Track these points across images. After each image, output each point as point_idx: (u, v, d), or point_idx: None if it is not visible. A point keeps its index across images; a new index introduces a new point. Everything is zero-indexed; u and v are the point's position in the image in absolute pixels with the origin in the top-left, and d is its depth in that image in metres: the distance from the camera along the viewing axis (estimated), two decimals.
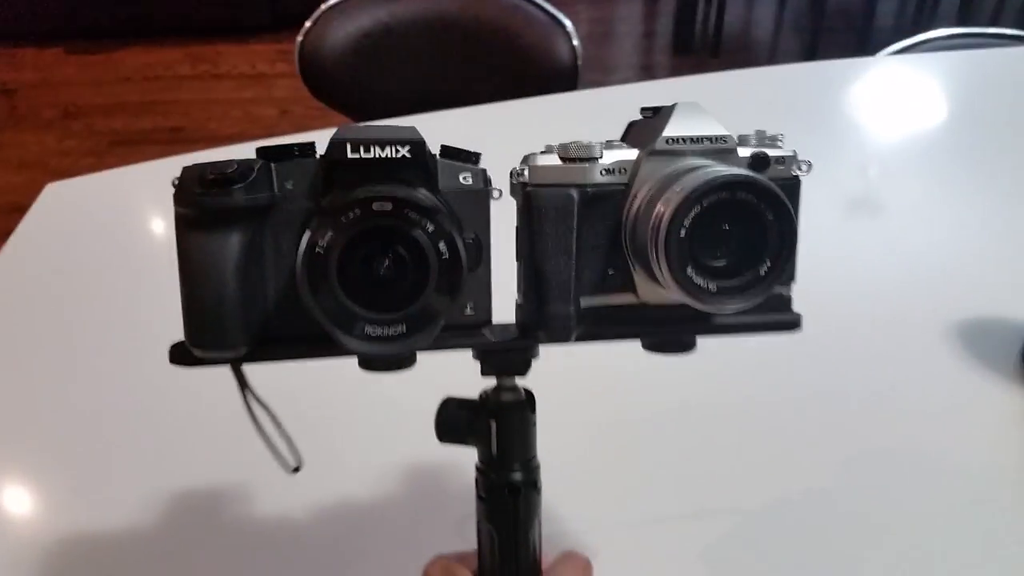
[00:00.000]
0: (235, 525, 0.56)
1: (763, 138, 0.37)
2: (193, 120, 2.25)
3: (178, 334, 0.34)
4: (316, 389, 0.54)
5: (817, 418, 0.64)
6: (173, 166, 0.34)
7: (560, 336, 0.36)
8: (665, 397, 0.64)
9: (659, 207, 0.33)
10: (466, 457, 0.40)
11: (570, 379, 0.54)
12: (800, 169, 0.37)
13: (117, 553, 0.55)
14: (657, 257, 0.33)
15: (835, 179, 0.90)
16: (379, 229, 0.31)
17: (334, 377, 0.50)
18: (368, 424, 0.62)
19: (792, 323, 0.39)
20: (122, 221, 0.91)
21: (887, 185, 0.94)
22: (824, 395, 0.66)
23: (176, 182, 0.33)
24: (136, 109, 2.32)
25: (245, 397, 0.38)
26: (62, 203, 0.92)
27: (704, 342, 0.39)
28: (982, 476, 0.60)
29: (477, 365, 0.38)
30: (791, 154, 0.37)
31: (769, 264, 0.33)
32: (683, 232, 0.32)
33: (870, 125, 1.07)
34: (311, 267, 0.31)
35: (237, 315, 0.33)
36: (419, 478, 0.58)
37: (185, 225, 0.33)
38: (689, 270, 0.33)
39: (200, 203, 0.32)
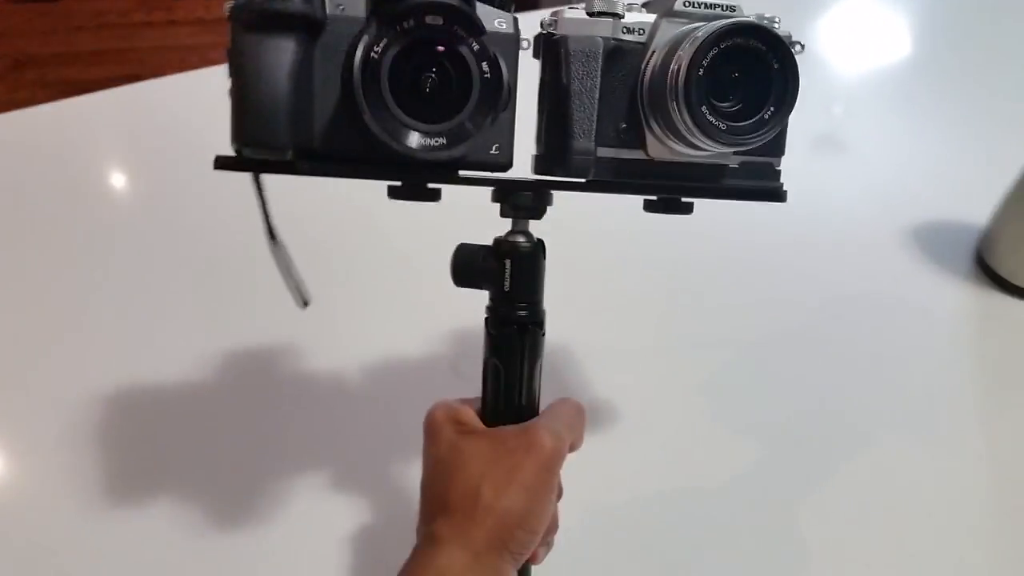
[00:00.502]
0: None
1: (762, 18, 0.41)
2: (149, 68, 2.17)
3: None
4: (336, 243, 0.55)
5: (786, 319, 0.68)
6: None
7: (581, 171, 0.39)
8: (663, 255, 0.69)
9: (679, 52, 0.36)
10: (476, 303, 0.43)
11: (578, 241, 0.57)
12: (795, 49, 0.41)
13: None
14: (676, 99, 0.36)
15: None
16: (429, 42, 0.34)
17: (353, 234, 0.52)
18: (385, 278, 0.65)
19: (778, 191, 0.43)
20: (73, 154, 0.90)
21: (851, 116, 0.96)
22: (791, 300, 0.70)
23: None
24: (89, 58, 2.24)
25: (265, 216, 0.40)
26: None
27: (700, 209, 0.43)
28: (943, 370, 0.64)
29: (493, 214, 0.41)
30: (787, 34, 0.41)
31: (773, 108, 0.37)
32: (701, 71, 0.36)
33: (834, 58, 1.08)
34: (365, 70, 0.33)
35: (286, 117, 0.35)
36: (431, 325, 0.61)
37: (243, 28, 0.34)
38: (704, 108, 0.36)
39: (258, 5, 0.34)
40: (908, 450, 0.59)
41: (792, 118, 0.38)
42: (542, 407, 0.44)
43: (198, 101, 0.92)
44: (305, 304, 0.44)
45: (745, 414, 0.61)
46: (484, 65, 0.35)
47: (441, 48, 0.34)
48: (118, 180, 0.87)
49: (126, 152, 0.91)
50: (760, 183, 0.42)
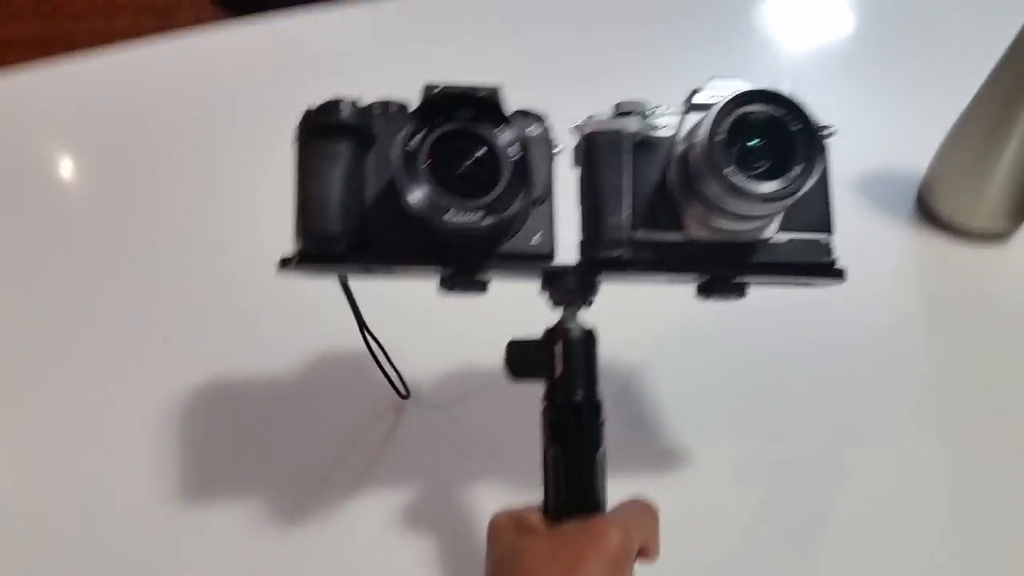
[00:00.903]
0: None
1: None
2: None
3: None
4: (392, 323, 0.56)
5: None
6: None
7: (614, 243, 0.40)
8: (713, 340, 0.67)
9: (700, 129, 0.39)
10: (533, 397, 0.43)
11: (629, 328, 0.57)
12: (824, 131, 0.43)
13: None
14: (702, 165, 0.38)
15: None
16: (462, 132, 0.38)
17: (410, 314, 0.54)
18: (440, 361, 0.64)
19: (834, 269, 0.42)
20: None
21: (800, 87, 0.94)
22: None
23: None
24: (32, 46, 1.85)
25: (356, 315, 0.42)
26: None
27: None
28: (887, 314, 0.68)
29: (542, 308, 0.43)
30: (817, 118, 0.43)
31: (801, 167, 0.38)
32: (721, 135, 0.37)
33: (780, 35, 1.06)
34: (406, 159, 0.37)
35: (340, 211, 0.39)
36: (492, 419, 0.60)
37: (305, 140, 0.40)
38: (730, 169, 0.37)
39: (316, 120, 0.39)
40: (856, 381, 0.64)
41: None
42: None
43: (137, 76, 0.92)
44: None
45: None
46: (510, 150, 0.38)
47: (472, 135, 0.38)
48: (61, 162, 0.85)
49: (67, 133, 0.88)
50: (809, 259, 0.42)
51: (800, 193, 0.38)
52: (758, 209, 0.38)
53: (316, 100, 0.41)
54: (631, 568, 0.38)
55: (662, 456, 0.59)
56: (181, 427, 0.60)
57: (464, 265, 0.40)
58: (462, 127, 0.38)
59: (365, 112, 0.41)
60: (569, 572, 0.36)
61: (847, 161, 0.79)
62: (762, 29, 1.07)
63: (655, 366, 0.64)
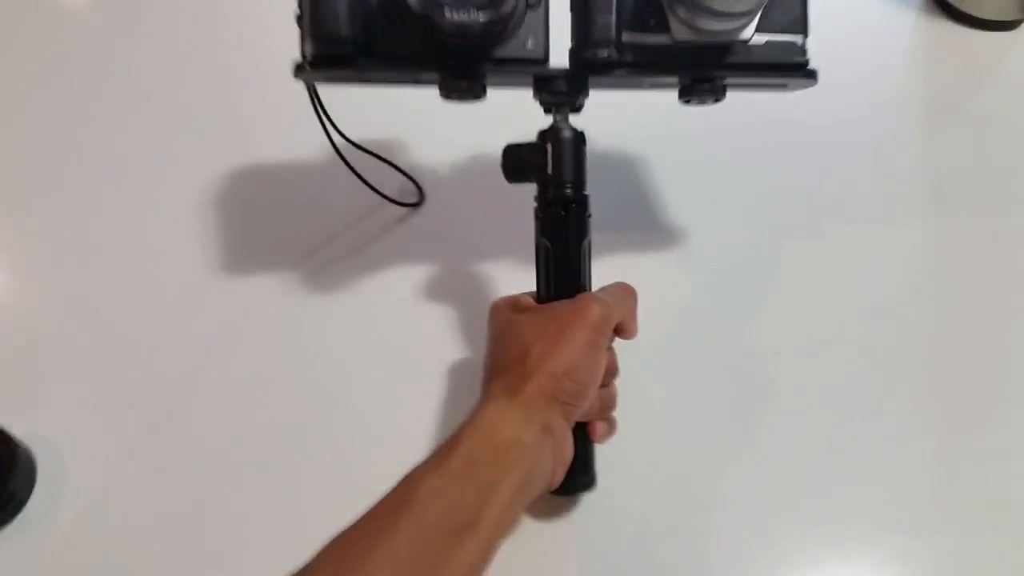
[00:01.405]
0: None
1: None
2: None
3: None
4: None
5: None
6: None
7: (604, 44, 0.43)
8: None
9: None
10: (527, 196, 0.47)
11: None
12: None
13: None
14: None
15: None
16: None
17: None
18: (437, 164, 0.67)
19: (807, 69, 0.45)
20: None
21: None
22: None
23: None
24: None
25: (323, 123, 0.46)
26: None
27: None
28: (895, 102, 0.69)
29: (536, 111, 0.46)
30: None
31: None
32: None
33: None
34: None
35: (348, 18, 0.42)
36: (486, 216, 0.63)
37: None
38: None
39: None
40: (860, 167, 0.65)
41: None
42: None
43: None
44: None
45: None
46: None
47: None
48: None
49: None
50: (785, 58, 0.45)
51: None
52: (736, 5, 0.41)
53: None
54: (609, 333, 0.43)
55: (648, 246, 0.62)
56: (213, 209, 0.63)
57: (462, 68, 0.44)
58: None
59: None
60: (557, 337, 0.42)
61: None
62: None
63: (646, 162, 0.66)
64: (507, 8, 0.40)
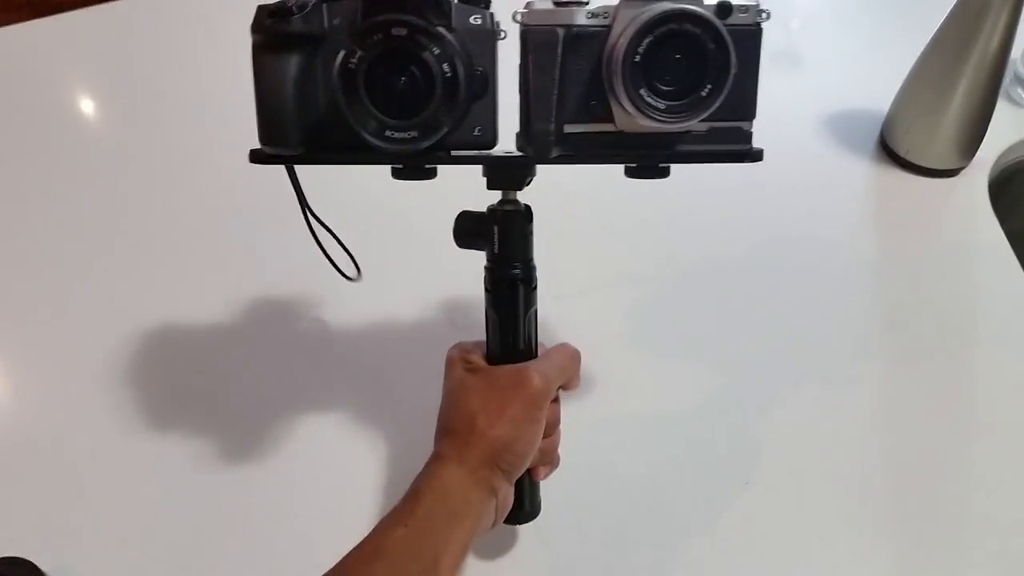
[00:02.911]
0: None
1: None
2: None
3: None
4: (354, 209, 0.63)
5: (703, 200, 0.77)
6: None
7: (542, 150, 0.44)
8: (643, 216, 0.77)
9: (620, 39, 0.40)
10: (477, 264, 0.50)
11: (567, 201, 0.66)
12: (761, 17, 0.43)
13: None
14: (615, 81, 0.40)
15: None
16: (396, 50, 0.40)
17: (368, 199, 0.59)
18: (395, 237, 0.74)
19: (751, 154, 0.46)
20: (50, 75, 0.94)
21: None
22: (711, 187, 0.74)
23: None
24: None
25: (300, 198, 0.48)
26: None
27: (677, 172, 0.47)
28: (849, 241, 0.76)
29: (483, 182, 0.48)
30: (753, 3, 0.43)
31: (710, 87, 0.40)
32: (637, 58, 0.40)
33: None
34: (345, 79, 0.41)
35: (295, 119, 0.43)
36: (437, 283, 0.70)
37: (257, 48, 0.43)
38: (643, 91, 0.40)
39: (267, 29, 0.42)
40: (817, 296, 0.72)
41: None
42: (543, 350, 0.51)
43: (180, 20, 0.99)
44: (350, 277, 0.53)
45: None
46: (445, 66, 0.41)
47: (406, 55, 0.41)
48: (97, 104, 0.92)
49: (105, 74, 0.95)
50: (729, 146, 0.45)
51: (708, 113, 0.40)
52: (666, 126, 0.41)
53: None
54: (547, 406, 0.48)
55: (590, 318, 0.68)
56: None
57: (411, 160, 0.45)
58: (397, 47, 0.40)
59: (314, 13, 0.43)
60: (500, 410, 0.47)
61: (818, 101, 0.88)
62: None
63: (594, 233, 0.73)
64: (443, 130, 0.41)
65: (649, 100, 0.40)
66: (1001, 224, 0.76)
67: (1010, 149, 0.83)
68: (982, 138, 0.78)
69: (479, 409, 0.47)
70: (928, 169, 0.80)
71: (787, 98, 0.89)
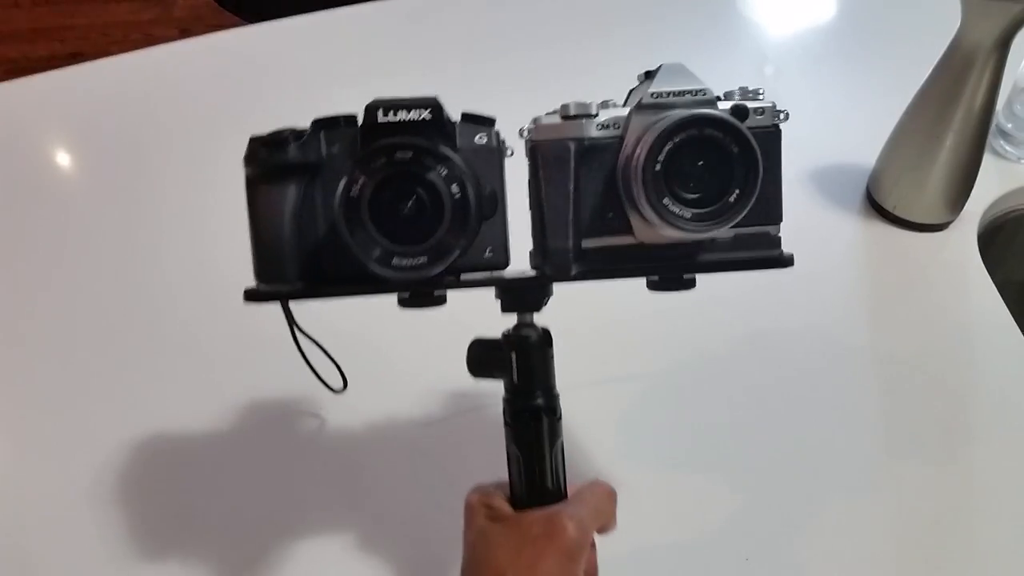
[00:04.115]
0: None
1: (745, 92, 0.42)
2: (92, 45, 2.16)
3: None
4: (360, 334, 0.60)
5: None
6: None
7: (561, 270, 0.41)
8: (672, 336, 0.72)
9: (639, 147, 0.38)
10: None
11: (586, 320, 0.62)
12: (778, 118, 0.42)
13: None
14: (639, 190, 0.38)
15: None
16: (402, 174, 0.38)
17: (376, 323, 0.56)
18: (407, 364, 0.69)
19: (781, 260, 0.43)
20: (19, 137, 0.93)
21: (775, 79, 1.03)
22: None
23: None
24: (28, 36, 2.23)
25: (293, 331, 0.45)
26: None
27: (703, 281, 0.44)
28: (836, 297, 0.75)
29: (498, 304, 0.44)
30: (770, 105, 0.42)
31: (738, 191, 0.38)
32: (658, 167, 0.37)
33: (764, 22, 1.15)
34: (348, 207, 0.38)
35: (293, 253, 0.40)
36: (454, 413, 0.65)
37: (252, 180, 0.40)
38: (666, 200, 0.38)
39: (262, 160, 0.40)
40: (814, 357, 0.70)
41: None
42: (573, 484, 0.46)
43: (145, 79, 0.98)
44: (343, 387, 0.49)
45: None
46: (454, 187, 0.38)
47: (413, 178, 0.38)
48: (67, 165, 0.91)
49: (75, 134, 0.94)
50: (757, 253, 0.43)
51: (739, 218, 0.38)
52: (693, 235, 0.39)
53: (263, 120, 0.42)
54: (584, 557, 0.43)
55: (617, 439, 0.64)
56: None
57: (420, 288, 0.42)
58: (403, 171, 0.38)
59: (311, 142, 0.41)
60: (531, 566, 0.41)
61: (803, 156, 0.87)
62: (719, 25, 1.11)
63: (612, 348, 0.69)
64: (455, 254, 0.38)
65: (674, 209, 0.38)
66: (991, 275, 0.76)
67: (997, 202, 0.84)
68: (970, 191, 0.78)
69: (507, 565, 0.41)
70: (916, 224, 0.79)
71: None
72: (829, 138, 0.89)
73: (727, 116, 0.37)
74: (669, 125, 0.37)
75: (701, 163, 0.38)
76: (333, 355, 0.57)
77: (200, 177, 0.87)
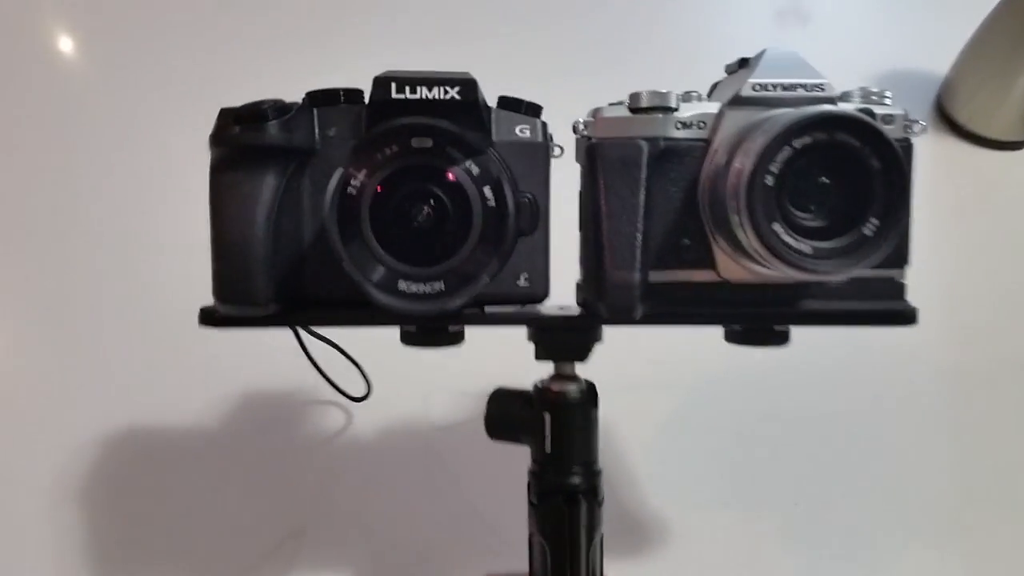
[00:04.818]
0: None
1: (867, 94, 0.32)
2: None
3: None
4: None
5: None
6: None
7: (622, 311, 0.31)
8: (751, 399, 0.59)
9: (741, 152, 0.28)
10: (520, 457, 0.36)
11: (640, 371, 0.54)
12: (912, 131, 0.32)
13: None
14: (739, 213, 0.28)
15: None
16: (417, 168, 0.28)
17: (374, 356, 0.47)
18: (406, 411, 0.58)
19: (905, 315, 0.33)
20: None
21: None
22: None
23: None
24: None
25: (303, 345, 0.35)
26: None
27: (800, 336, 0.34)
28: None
29: (531, 348, 0.34)
30: (901, 112, 0.32)
31: (877, 223, 0.27)
32: (770, 179, 0.27)
33: None
34: (342, 209, 0.28)
35: (266, 267, 0.30)
36: (467, 484, 0.54)
37: (219, 165, 0.30)
38: (776, 226, 0.28)
39: (231, 139, 0.30)
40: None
41: None
42: None
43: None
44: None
45: None
46: (487, 190, 0.28)
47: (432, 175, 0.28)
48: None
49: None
50: (876, 304, 0.32)
51: (878, 258, 0.28)
52: (810, 276, 0.28)
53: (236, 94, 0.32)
54: None
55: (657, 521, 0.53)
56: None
57: (431, 322, 0.32)
58: (419, 163, 0.28)
59: (300, 120, 0.31)
60: None
61: (866, 59, 0.76)
62: None
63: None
64: (483, 281, 0.28)
65: (787, 240, 0.27)
66: None
67: None
68: None
69: None
70: (992, 140, 0.70)
71: (829, 58, 0.82)
72: (896, 40, 0.79)
73: (869, 119, 0.27)
74: (790, 124, 0.27)
75: (825, 180, 0.28)
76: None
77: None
